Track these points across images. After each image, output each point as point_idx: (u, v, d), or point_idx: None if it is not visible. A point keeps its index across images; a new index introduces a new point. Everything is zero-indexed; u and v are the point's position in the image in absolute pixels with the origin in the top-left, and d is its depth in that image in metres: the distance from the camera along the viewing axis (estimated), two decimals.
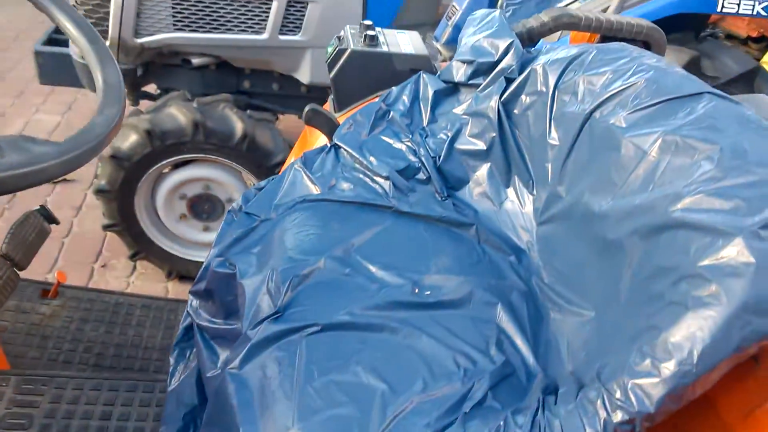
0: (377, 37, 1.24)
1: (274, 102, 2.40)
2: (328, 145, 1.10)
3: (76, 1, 1.92)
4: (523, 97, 1.02)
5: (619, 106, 0.84)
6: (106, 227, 2.14)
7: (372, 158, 1.06)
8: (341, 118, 1.18)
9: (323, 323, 0.78)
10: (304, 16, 2.12)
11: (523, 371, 0.78)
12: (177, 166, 2.13)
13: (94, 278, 2.26)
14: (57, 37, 2.22)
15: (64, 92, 2.44)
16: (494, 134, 1.04)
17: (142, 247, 2.21)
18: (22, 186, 0.58)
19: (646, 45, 1.20)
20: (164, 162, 2.05)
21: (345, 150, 1.08)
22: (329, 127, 1.11)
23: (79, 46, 0.79)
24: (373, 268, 0.87)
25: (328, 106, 1.29)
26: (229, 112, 2.03)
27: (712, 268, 0.59)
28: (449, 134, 1.08)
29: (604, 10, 2.12)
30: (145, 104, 2.22)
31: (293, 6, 2.10)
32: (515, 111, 1.03)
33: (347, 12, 2.15)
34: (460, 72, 1.11)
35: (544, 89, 0.97)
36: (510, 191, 1.05)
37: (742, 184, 0.63)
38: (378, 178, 1.05)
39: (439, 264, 0.91)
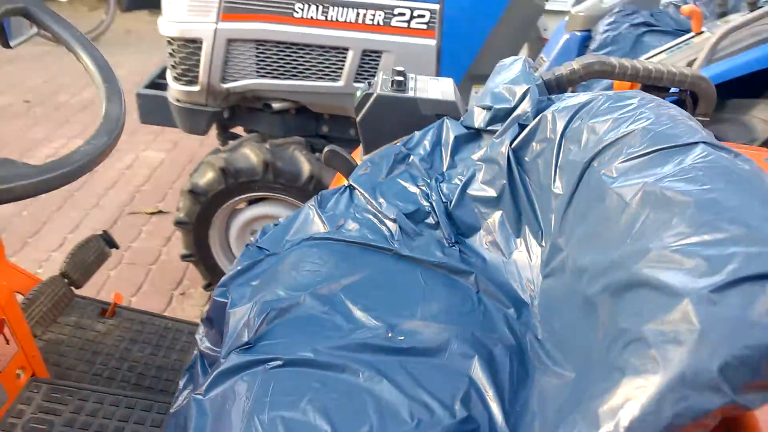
0: (405, 83, 1.26)
1: (351, 146, 2.49)
2: (345, 185, 1.12)
3: (173, 49, 2.13)
4: (534, 144, 0.98)
5: (614, 156, 0.78)
6: (183, 257, 2.30)
7: (382, 200, 1.06)
8: None
9: (286, 358, 0.78)
10: (378, 65, 2.20)
11: (487, 430, 0.73)
12: (251, 202, 2.26)
13: (173, 305, 2.41)
14: (158, 82, 2.47)
15: (172, 132, 2.69)
16: (504, 181, 1.00)
17: (215, 279, 2.33)
18: None
19: (693, 96, 1.11)
20: (237, 198, 2.18)
21: (358, 191, 1.09)
22: (347, 168, 1.14)
23: (94, 83, 0.87)
24: (353, 309, 0.87)
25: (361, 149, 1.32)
26: (298, 154, 2.13)
27: (654, 333, 0.53)
28: (463, 179, 1.07)
29: (690, 63, 2.00)
30: None
31: (368, 55, 2.18)
32: (526, 158, 0.99)
33: (420, 61, 2.20)
34: (479, 118, 1.10)
35: (552, 136, 0.94)
36: (519, 241, 1.00)
37: (707, 241, 0.56)
38: (387, 221, 1.05)
39: (426, 310, 0.88)
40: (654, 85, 1.11)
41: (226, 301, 0.96)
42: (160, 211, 2.87)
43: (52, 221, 2.68)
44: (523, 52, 4.99)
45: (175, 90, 2.22)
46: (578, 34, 3.21)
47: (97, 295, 2.29)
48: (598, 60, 1.11)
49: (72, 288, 1.42)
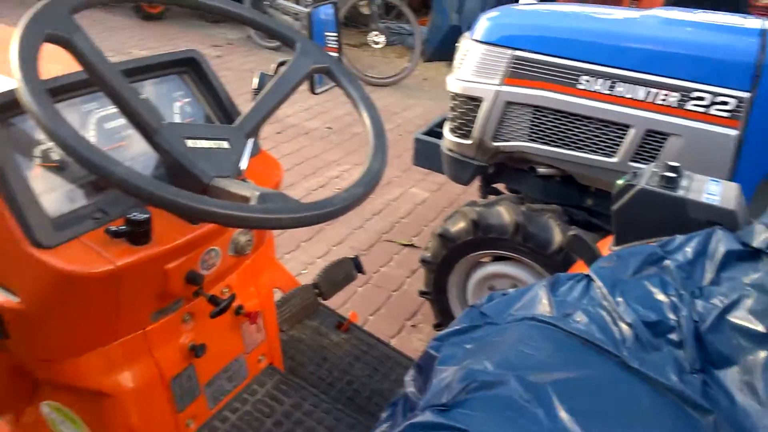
0: (677, 180, 1.14)
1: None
2: (583, 273, 1.07)
3: (455, 104, 2.29)
4: None
5: None
6: (421, 293, 2.43)
7: (621, 299, 0.98)
8: None
9: None
10: (662, 147, 2.05)
11: None
12: (496, 258, 2.28)
13: (402, 333, 2.55)
14: (436, 130, 2.67)
15: (439, 176, 2.87)
16: None
17: (444, 320, 2.42)
18: (264, 226, 0.77)
19: None
20: (482, 252, 2.22)
21: (597, 283, 1.03)
22: (589, 257, 1.08)
23: (367, 134, 0.98)
24: (558, 407, 0.82)
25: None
26: (552, 223, 2.09)
27: None
28: (725, 302, 0.93)
29: None
30: None
31: (651, 136, 2.05)
32: None
33: (713, 152, 1.98)
34: (761, 237, 0.94)
35: None
36: None
37: None
38: (621, 323, 0.97)
39: None
40: None
41: (437, 355, 0.99)
42: (412, 245, 3.08)
43: (323, 232, 3.08)
44: None
45: (448, 140, 2.38)
46: None
47: (342, 307, 2.56)
48: None
49: (319, 298, 1.62)
